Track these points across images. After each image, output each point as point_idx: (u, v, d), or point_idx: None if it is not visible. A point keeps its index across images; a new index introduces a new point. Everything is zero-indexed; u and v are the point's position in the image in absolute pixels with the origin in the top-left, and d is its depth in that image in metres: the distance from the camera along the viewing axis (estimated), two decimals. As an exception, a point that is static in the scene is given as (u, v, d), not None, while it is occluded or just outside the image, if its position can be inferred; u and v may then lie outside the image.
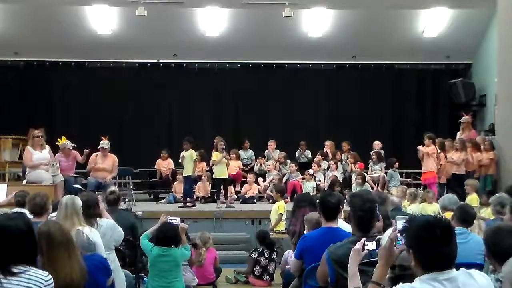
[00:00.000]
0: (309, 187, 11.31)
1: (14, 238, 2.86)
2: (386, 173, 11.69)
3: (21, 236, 2.88)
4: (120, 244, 5.47)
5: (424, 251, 2.44)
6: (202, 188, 11.76)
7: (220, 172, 10.65)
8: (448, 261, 2.44)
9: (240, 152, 12.98)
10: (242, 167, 12.60)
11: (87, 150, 9.89)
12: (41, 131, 9.23)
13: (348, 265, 3.03)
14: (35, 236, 3.00)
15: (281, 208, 8.71)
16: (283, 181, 11.66)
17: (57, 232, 3.32)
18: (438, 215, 2.59)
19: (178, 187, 11.80)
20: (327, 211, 4.39)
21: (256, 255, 7.87)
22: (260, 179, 12.23)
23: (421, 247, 2.45)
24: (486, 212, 7.41)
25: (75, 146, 9.86)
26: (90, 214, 4.91)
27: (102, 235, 4.77)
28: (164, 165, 12.74)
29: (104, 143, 10.05)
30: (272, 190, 10.78)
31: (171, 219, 5.59)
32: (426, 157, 10.39)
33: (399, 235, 2.71)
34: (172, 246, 5.37)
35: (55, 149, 9.76)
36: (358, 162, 12.00)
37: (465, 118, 11.68)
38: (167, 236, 5.35)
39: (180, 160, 10.84)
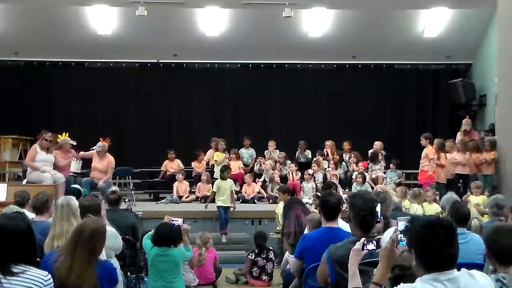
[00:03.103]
0: (308, 187, 11.31)
1: (13, 238, 2.87)
2: (385, 173, 11.78)
3: (20, 236, 2.90)
4: (119, 252, 5.41)
5: (426, 251, 2.44)
6: (202, 188, 11.76)
7: (220, 169, 10.65)
8: (450, 262, 2.44)
9: (242, 150, 12.98)
10: (242, 166, 12.59)
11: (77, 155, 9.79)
12: (52, 137, 9.17)
13: (348, 265, 3.04)
14: (35, 236, 3.00)
15: None
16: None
17: (88, 231, 3.33)
18: (440, 215, 2.60)
19: (179, 187, 11.80)
20: (327, 211, 4.41)
21: (253, 256, 7.88)
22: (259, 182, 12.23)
23: (423, 247, 2.44)
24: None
25: (76, 143, 9.82)
26: None
27: None
28: (173, 166, 12.63)
29: (99, 145, 9.91)
30: (275, 190, 10.83)
31: (173, 220, 5.61)
32: (426, 157, 10.53)
33: (401, 235, 2.71)
34: (172, 246, 5.37)
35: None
36: (361, 161, 12.03)
37: (466, 123, 11.76)
38: (165, 236, 5.35)
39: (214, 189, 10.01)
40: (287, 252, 6.46)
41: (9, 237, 2.86)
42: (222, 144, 10.81)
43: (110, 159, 9.99)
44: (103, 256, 4.45)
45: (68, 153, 9.64)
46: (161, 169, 12.84)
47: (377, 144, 12.57)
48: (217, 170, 10.74)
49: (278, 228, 8.71)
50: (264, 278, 7.78)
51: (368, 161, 12.21)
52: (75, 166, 9.18)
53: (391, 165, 11.80)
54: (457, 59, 14.76)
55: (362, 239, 3.07)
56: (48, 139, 8.98)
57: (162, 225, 5.51)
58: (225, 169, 10.17)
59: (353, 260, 3.02)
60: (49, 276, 2.92)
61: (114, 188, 7.26)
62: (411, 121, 14.89)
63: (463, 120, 12.11)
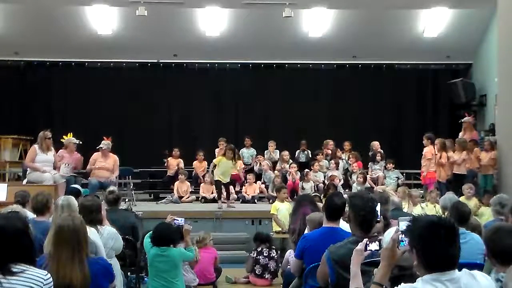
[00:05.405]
0: (307, 187, 11.32)
1: (11, 237, 2.87)
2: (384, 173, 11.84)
3: (18, 235, 2.90)
4: (119, 252, 5.38)
5: (428, 251, 2.44)
6: (206, 190, 11.76)
7: (223, 175, 10.56)
8: (452, 262, 2.44)
9: (243, 150, 12.97)
10: (243, 166, 12.58)
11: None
12: (50, 133, 9.17)
13: (350, 265, 3.03)
14: (32, 235, 3.01)
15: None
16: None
17: (67, 229, 3.32)
18: (442, 215, 2.60)
19: (180, 187, 11.80)
20: (330, 210, 4.41)
21: (255, 254, 7.87)
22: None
23: (425, 247, 2.44)
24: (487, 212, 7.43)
25: (81, 142, 9.84)
26: (93, 219, 4.90)
27: (103, 244, 4.74)
28: (174, 164, 12.56)
29: (104, 143, 10.05)
30: (273, 190, 10.82)
31: (176, 220, 5.61)
32: (424, 158, 10.63)
33: (402, 235, 2.71)
34: (171, 246, 5.36)
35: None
36: (358, 161, 12.04)
37: (467, 118, 11.74)
38: (164, 236, 5.34)
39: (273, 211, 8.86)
40: (288, 251, 6.47)
41: (7, 237, 2.86)
42: (230, 153, 10.55)
43: (115, 157, 10.15)
44: (100, 247, 4.48)
45: (74, 154, 9.63)
46: (165, 164, 12.74)
47: (376, 144, 12.60)
48: (216, 171, 10.67)
49: (274, 229, 8.69)
50: (266, 276, 7.77)
51: (369, 161, 12.23)
52: (64, 170, 9.11)
53: (388, 165, 11.82)
54: (457, 59, 14.76)
55: (365, 240, 3.06)
56: (50, 137, 8.97)
57: (161, 224, 5.50)
58: (280, 188, 9.37)
59: (355, 260, 3.01)
60: (49, 275, 2.91)
61: (112, 187, 7.26)
62: (411, 121, 14.89)
63: (465, 118, 12.06)
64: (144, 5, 12.49)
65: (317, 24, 13.69)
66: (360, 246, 3.03)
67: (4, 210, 4.94)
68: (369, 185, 11.26)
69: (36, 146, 8.95)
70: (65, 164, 9.12)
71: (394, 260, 2.74)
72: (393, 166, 11.84)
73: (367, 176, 11.56)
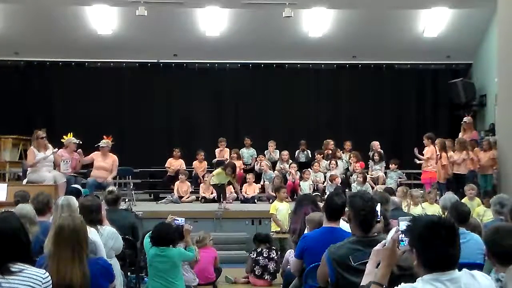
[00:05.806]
0: (305, 186, 11.32)
1: (9, 237, 2.88)
2: (385, 173, 11.81)
3: (16, 234, 2.91)
4: (119, 252, 5.37)
5: (428, 251, 2.43)
6: (205, 189, 11.76)
7: (219, 180, 10.50)
8: (452, 262, 2.44)
9: (243, 149, 12.97)
10: (243, 167, 12.57)
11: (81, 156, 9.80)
12: (44, 132, 9.19)
13: (367, 264, 3.01)
14: (28, 233, 3.01)
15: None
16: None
17: (67, 229, 3.32)
18: (443, 215, 2.59)
19: (180, 187, 11.79)
20: (330, 210, 4.41)
21: (255, 254, 7.87)
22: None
23: (425, 247, 2.44)
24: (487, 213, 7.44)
25: (81, 142, 9.84)
26: (93, 219, 4.89)
27: (103, 244, 4.73)
28: (176, 165, 12.53)
29: (104, 142, 10.03)
30: (273, 190, 10.81)
31: (176, 220, 5.61)
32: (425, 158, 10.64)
33: (402, 235, 2.70)
34: (170, 246, 5.35)
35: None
36: (359, 161, 12.04)
37: (467, 119, 11.76)
38: (163, 236, 5.34)
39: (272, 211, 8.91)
40: (288, 251, 6.47)
41: (5, 237, 2.87)
42: (229, 170, 10.34)
43: (114, 157, 10.14)
44: (100, 247, 4.48)
45: (73, 154, 9.63)
46: (166, 165, 12.72)
47: (376, 144, 12.61)
48: (214, 178, 10.61)
49: (272, 229, 8.69)
50: (266, 277, 7.77)
51: (374, 161, 12.24)
52: (63, 166, 9.14)
53: (391, 165, 11.85)
54: (457, 59, 14.75)
55: (383, 241, 3.04)
56: (43, 136, 8.97)
57: (160, 224, 5.51)
58: (280, 188, 9.43)
59: (372, 260, 2.98)
60: (47, 274, 2.92)
61: (111, 188, 7.26)
62: (411, 121, 14.90)
63: (465, 118, 12.09)
64: (144, 5, 12.49)
65: (317, 24, 13.69)
66: (379, 246, 3.01)
67: (16, 209, 4.90)
68: (369, 185, 11.26)
69: (32, 147, 8.99)
70: (64, 161, 9.14)
71: (394, 260, 2.74)
72: (396, 166, 11.85)
73: (367, 176, 11.56)
